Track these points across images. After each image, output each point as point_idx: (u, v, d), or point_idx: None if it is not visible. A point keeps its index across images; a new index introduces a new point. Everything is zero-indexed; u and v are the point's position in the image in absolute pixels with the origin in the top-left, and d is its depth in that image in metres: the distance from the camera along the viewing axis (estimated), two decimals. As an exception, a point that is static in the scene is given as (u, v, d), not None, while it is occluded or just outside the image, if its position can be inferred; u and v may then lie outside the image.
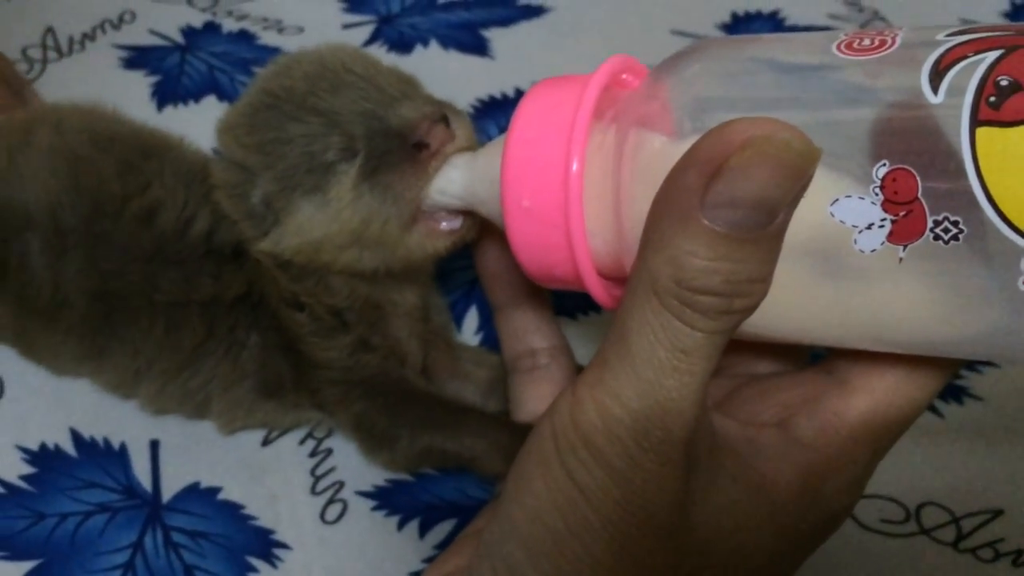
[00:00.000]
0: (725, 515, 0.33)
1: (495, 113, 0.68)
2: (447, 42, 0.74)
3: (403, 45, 0.74)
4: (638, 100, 0.36)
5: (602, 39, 0.75)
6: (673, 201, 0.28)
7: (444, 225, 0.44)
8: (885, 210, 0.30)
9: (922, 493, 0.50)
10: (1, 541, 0.47)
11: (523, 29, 0.76)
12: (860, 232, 0.30)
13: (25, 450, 0.50)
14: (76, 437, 0.51)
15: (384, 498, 0.50)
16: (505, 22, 0.76)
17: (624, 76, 0.40)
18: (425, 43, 0.74)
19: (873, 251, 0.30)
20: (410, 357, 0.50)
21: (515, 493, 0.33)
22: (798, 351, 0.41)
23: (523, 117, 0.38)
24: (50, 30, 0.73)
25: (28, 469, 0.49)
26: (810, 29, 0.77)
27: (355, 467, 0.50)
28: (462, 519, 0.49)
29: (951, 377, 0.36)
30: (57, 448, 0.50)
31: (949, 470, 0.50)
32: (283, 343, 0.48)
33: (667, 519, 0.31)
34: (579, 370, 0.50)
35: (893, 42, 0.31)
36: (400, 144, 0.43)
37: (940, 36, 0.31)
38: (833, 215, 0.30)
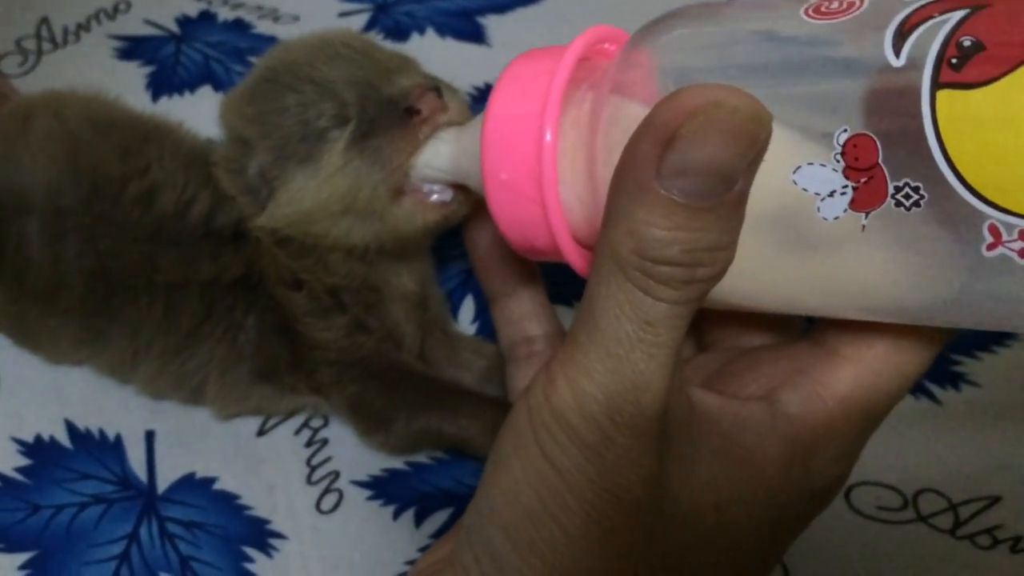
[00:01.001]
0: (707, 491, 0.33)
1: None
2: (443, 29, 0.74)
3: (399, 33, 0.73)
4: (614, 68, 0.36)
5: (599, 24, 0.75)
6: (629, 172, 0.28)
7: (435, 197, 0.45)
8: (847, 177, 0.29)
9: (919, 480, 0.50)
10: (-3, 533, 0.47)
11: (519, 15, 0.75)
12: (823, 200, 0.30)
13: (20, 442, 0.50)
14: (71, 428, 0.51)
15: (380, 487, 0.50)
16: (501, 9, 0.76)
17: (606, 46, 0.39)
18: (421, 31, 0.74)
19: (836, 219, 0.30)
20: (406, 341, 0.50)
21: (493, 475, 0.33)
22: (789, 322, 0.40)
23: (501, 90, 0.37)
24: (44, 20, 0.72)
25: (23, 461, 0.49)
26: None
27: (351, 457, 0.50)
28: (458, 508, 0.49)
29: (939, 349, 0.35)
30: (52, 440, 0.50)
31: (946, 457, 0.50)
32: (280, 325, 0.49)
33: (643, 494, 0.31)
34: None
35: (861, 4, 0.31)
36: (391, 110, 0.43)
37: None
38: (796, 183, 0.30)
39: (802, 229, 0.31)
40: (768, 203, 0.29)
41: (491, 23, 0.74)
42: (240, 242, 0.48)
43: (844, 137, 0.29)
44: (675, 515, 0.32)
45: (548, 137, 0.35)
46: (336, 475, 0.50)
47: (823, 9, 0.31)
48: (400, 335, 0.50)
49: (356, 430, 0.50)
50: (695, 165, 0.27)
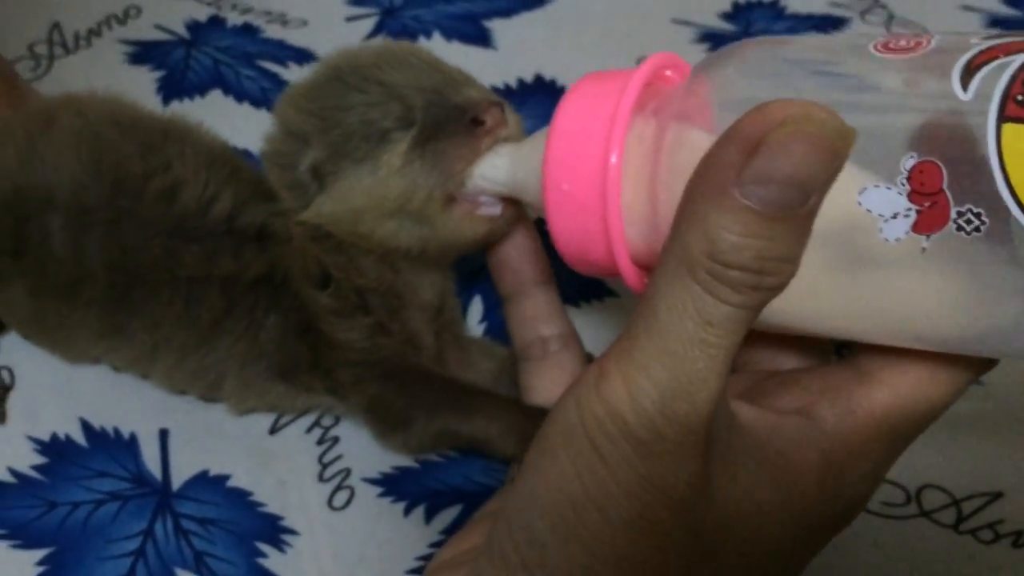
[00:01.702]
0: (746, 498, 0.33)
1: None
2: (450, 33, 0.75)
3: (406, 37, 0.74)
4: (679, 96, 0.37)
5: (603, 28, 0.76)
6: (710, 176, 0.29)
7: (484, 209, 0.46)
8: (911, 200, 0.30)
9: (922, 476, 0.50)
10: (14, 529, 0.48)
11: (525, 19, 0.76)
12: (886, 221, 0.31)
13: (37, 440, 0.51)
14: (87, 427, 0.51)
15: (390, 484, 0.50)
16: (507, 12, 0.77)
17: (668, 72, 0.41)
18: (428, 35, 0.75)
19: (898, 240, 0.31)
20: (425, 348, 0.51)
21: (537, 464, 0.33)
22: (821, 348, 0.41)
23: (568, 106, 0.39)
24: (56, 26, 0.73)
25: (40, 459, 0.50)
26: (811, 17, 0.78)
27: (362, 454, 0.51)
28: (468, 504, 0.50)
29: (975, 379, 0.36)
30: (68, 438, 0.51)
31: (949, 453, 0.51)
32: (302, 324, 0.49)
33: (687, 493, 0.31)
34: (588, 357, 0.51)
35: (928, 43, 0.32)
36: (457, 117, 0.45)
37: (973, 40, 0.32)
38: (860, 203, 0.31)
39: (862, 249, 0.32)
40: (830, 221, 0.30)
41: (497, 27, 0.75)
42: (263, 243, 0.49)
43: (911, 163, 0.30)
44: (715, 518, 0.33)
45: (614, 157, 0.37)
46: (347, 472, 0.51)
47: (891, 46, 0.33)
48: (420, 341, 0.50)
49: (373, 431, 0.50)
50: (777, 174, 0.27)
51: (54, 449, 0.51)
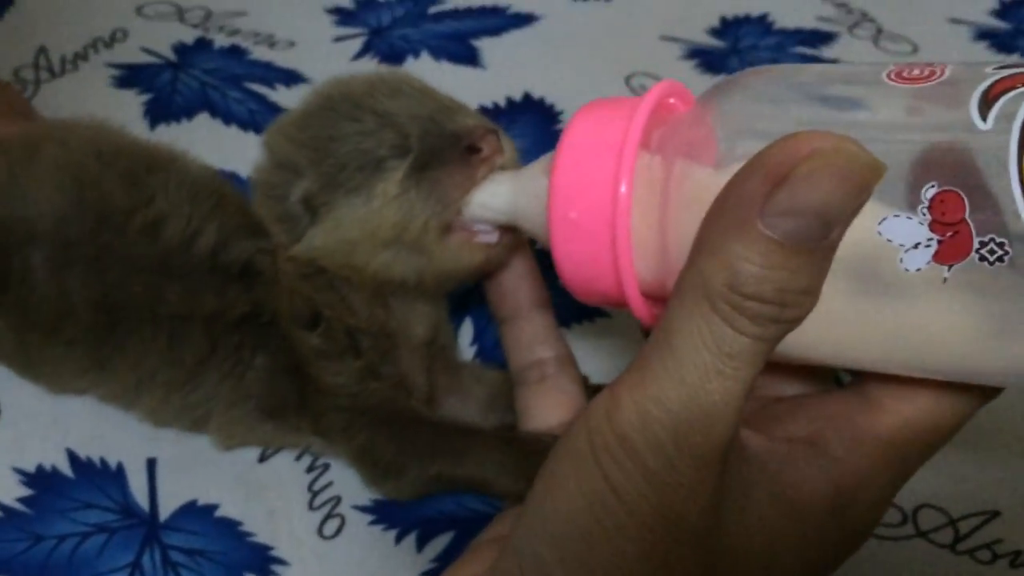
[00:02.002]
0: (758, 531, 0.33)
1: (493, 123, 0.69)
2: (438, 53, 0.74)
3: (394, 57, 0.74)
4: (684, 128, 0.37)
5: (592, 45, 0.76)
6: (732, 207, 0.28)
7: (482, 237, 0.45)
8: (932, 230, 0.30)
9: (919, 495, 0.50)
10: (0, 564, 0.47)
11: (513, 38, 0.76)
12: (907, 251, 0.31)
13: (22, 472, 0.50)
14: (73, 458, 0.51)
15: (381, 512, 0.50)
16: (495, 31, 0.76)
17: (671, 100, 0.40)
18: (416, 54, 0.74)
19: (918, 270, 0.31)
20: (416, 390, 0.50)
21: (546, 493, 0.33)
22: (824, 374, 0.41)
23: (573, 134, 0.39)
24: (42, 50, 0.73)
25: (25, 491, 0.49)
26: (799, 32, 0.78)
27: (352, 482, 0.50)
28: (460, 531, 0.49)
29: (981, 406, 0.35)
30: (54, 469, 0.50)
31: (945, 472, 0.50)
32: (290, 366, 0.48)
33: (700, 525, 0.31)
34: (584, 380, 0.50)
35: (942, 73, 0.32)
36: (453, 145, 0.44)
37: (988, 70, 0.32)
38: (881, 233, 0.31)
39: (882, 279, 0.31)
40: (850, 251, 0.29)
41: (485, 46, 0.75)
42: (247, 280, 0.48)
43: (932, 192, 0.30)
44: (727, 550, 0.32)
45: (624, 187, 0.37)
46: (338, 500, 0.50)
47: (905, 75, 0.33)
48: (411, 384, 0.50)
49: (364, 478, 0.49)
50: (803, 206, 0.27)
51: (40, 481, 0.50)
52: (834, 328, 0.33)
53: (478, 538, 0.43)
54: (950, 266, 0.30)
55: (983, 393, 0.35)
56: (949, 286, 0.30)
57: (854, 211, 0.27)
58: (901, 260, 0.31)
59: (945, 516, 0.49)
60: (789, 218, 0.27)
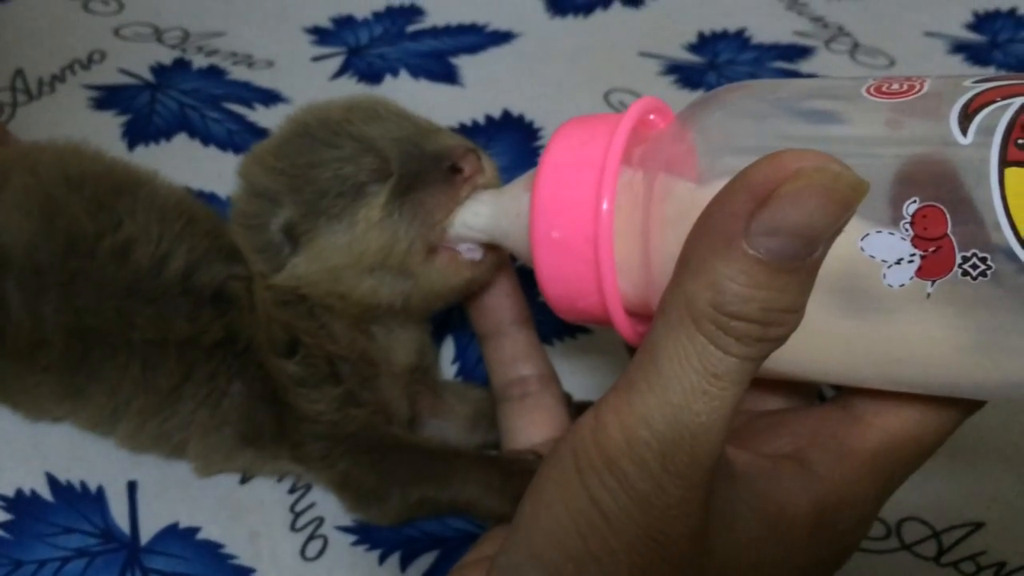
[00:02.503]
0: (744, 550, 0.33)
1: (467, 138, 0.69)
2: (416, 71, 0.75)
3: (373, 76, 0.74)
4: (665, 144, 0.37)
5: (570, 62, 0.76)
6: (716, 226, 0.28)
7: (467, 255, 0.45)
8: (915, 245, 0.30)
9: (902, 508, 0.50)
10: (-21, 590, 0.46)
11: (492, 56, 0.76)
12: (889, 267, 0.31)
13: (1, 497, 0.49)
14: (52, 482, 0.50)
15: (364, 533, 0.50)
16: (474, 49, 0.77)
17: (651, 116, 0.41)
18: (395, 73, 0.74)
19: (902, 286, 0.31)
20: (397, 415, 0.50)
21: (532, 516, 0.33)
22: (807, 388, 0.42)
23: (554, 152, 0.39)
24: (19, 72, 0.72)
25: (4, 516, 0.49)
26: (776, 47, 0.78)
27: (334, 502, 0.50)
28: (443, 551, 0.49)
29: (964, 419, 0.36)
30: (34, 493, 0.50)
31: (929, 485, 0.51)
32: (267, 393, 0.48)
33: (688, 547, 0.31)
34: (567, 398, 0.50)
35: (921, 87, 0.32)
36: (435, 166, 0.44)
37: (967, 83, 0.32)
38: (863, 249, 0.31)
39: (865, 295, 0.31)
40: (832, 268, 0.29)
41: (463, 63, 0.75)
42: (220, 305, 0.48)
43: (913, 208, 0.30)
44: (714, 569, 0.32)
45: (606, 204, 0.37)
46: (320, 521, 0.50)
47: (884, 90, 0.33)
48: (392, 410, 0.49)
49: (346, 505, 0.49)
50: (787, 225, 0.27)
51: (19, 505, 0.49)
52: (818, 345, 0.33)
53: (463, 560, 0.43)
54: (933, 281, 0.30)
55: (965, 407, 0.35)
56: (932, 301, 0.30)
57: (838, 230, 0.27)
58: (884, 276, 0.31)
59: (929, 529, 0.49)
60: (773, 237, 0.27)
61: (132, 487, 0.51)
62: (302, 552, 0.49)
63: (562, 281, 0.39)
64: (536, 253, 0.39)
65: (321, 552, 0.49)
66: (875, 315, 0.32)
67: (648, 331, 0.30)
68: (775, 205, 0.27)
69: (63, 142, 0.54)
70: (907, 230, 0.30)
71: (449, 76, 0.74)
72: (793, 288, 0.28)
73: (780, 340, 0.29)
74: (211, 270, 0.48)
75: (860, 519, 0.36)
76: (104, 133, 0.68)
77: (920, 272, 0.30)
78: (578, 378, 0.54)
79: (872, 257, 0.31)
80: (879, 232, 0.31)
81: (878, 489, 0.36)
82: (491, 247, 0.45)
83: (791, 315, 0.28)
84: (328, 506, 0.50)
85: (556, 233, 0.38)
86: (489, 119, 0.71)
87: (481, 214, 0.44)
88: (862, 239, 0.31)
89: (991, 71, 0.76)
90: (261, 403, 0.48)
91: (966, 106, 0.31)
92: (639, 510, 0.30)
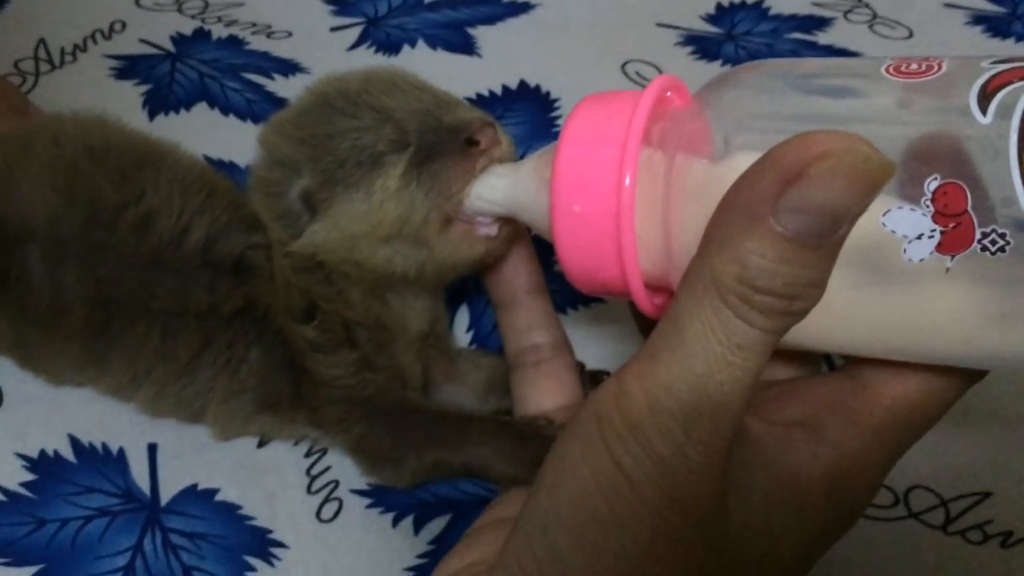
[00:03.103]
0: (760, 515, 0.34)
1: (484, 111, 0.69)
2: (434, 42, 0.75)
3: (391, 46, 0.74)
4: (683, 122, 0.38)
5: (588, 33, 0.76)
6: (744, 204, 0.29)
7: (483, 230, 0.45)
8: (935, 221, 0.31)
9: (910, 477, 0.50)
10: (3, 547, 0.48)
11: (509, 26, 0.76)
12: (910, 242, 0.31)
13: (25, 457, 0.51)
14: (75, 443, 0.51)
15: (379, 496, 0.50)
16: (491, 20, 0.77)
17: (668, 94, 0.41)
18: (412, 43, 0.75)
19: (922, 260, 0.31)
20: (411, 380, 0.50)
21: (555, 480, 0.33)
22: (813, 358, 0.42)
23: (574, 128, 0.39)
24: (42, 42, 0.73)
25: (28, 476, 0.50)
26: (794, 18, 0.78)
27: (350, 465, 0.51)
28: (456, 514, 0.50)
29: (968, 387, 0.36)
30: (56, 454, 0.51)
31: (937, 454, 0.51)
32: (285, 359, 0.49)
33: (708, 509, 0.32)
34: (580, 366, 0.51)
35: (940, 68, 0.33)
36: (452, 138, 0.45)
37: (984, 64, 0.33)
38: (885, 225, 0.32)
39: (885, 269, 0.32)
40: (854, 243, 0.30)
41: (481, 34, 0.75)
42: (240, 275, 0.49)
43: (934, 185, 0.31)
44: (733, 535, 0.33)
45: (628, 179, 0.37)
46: (336, 484, 0.51)
47: (903, 69, 0.34)
48: (407, 375, 0.50)
49: (361, 468, 0.49)
50: (815, 204, 0.28)
51: (43, 466, 0.51)
52: (838, 317, 0.34)
53: (475, 523, 0.44)
54: (953, 256, 0.31)
55: (969, 376, 0.36)
56: (952, 276, 0.31)
57: (863, 208, 0.28)
58: (905, 251, 0.32)
59: (937, 497, 0.50)
60: (800, 215, 0.28)
61: (152, 449, 0.52)
62: (318, 514, 0.50)
63: (581, 253, 0.39)
64: (556, 226, 0.39)
65: (336, 514, 0.50)
66: (895, 288, 0.32)
67: (672, 302, 0.31)
68: (804, 184, 0.28)
69: (86, 112, 0.55)
70: (928, 206, 0.31)
71: (466, 46, 0.75)
72: (817, 264, 0.29)
73: (802, 314, 0.30)
74: (231, 241, 0.49)
75: (868, 485, 0.37)
76: (125, 103, 0.68)
77: (940, 247, 0.31)
78: (591, 347, 0.54)
79: (893, 232, 0.32)
80: (900, 208, 0.31)
81: (886, 456, 0.37)
82: (506, 220, 0.46)
83: (814, 290, 0.29)
84: (343, 470, 0.51)
85: (577, 207, 0.38)
86: (506, 89, 0.71)
87: (498, 187, 0.44)
88: (884, 215, 0.32)
89: (1011, 43, 0.75)
90: (279, 369, 0.49)
91: (984, 86, 0.31)
92: (661, 474, 0.31)
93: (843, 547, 0.48)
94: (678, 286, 0.31)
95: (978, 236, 0.30)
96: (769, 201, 0.28)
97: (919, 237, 0.31)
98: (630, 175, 0.37)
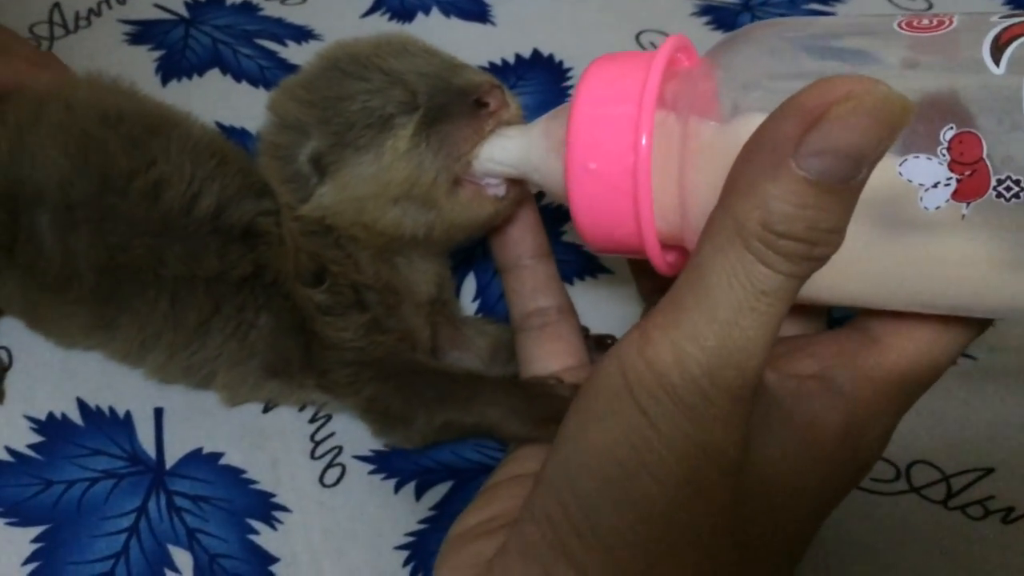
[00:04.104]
0: (779, 462, 0.35)
1: (498, 79, 0.69)
2: (448, 9, 0.74)
3: (405, 14, 0.74)
4: (695, 81, 0.39)
5: (602, 2, 0.75)
6: (766, 149, 0.29)
7: (491, 191, 0.46)
8: (951, 170, 0.32)
9: (913, 452, 0.50)
10: (10, 507, 0.48)
11: (523, -6, 0.76)
12: (926, 190, 0.32)
13: (33, 419, 0.51)
14: (83, 406, 0.52)
15: (381, 462, 0.51)
16: (506, -12, 0.76)
17: (677, 55, 0.41)
18: (427, 11, 0.74)
19: (938, 208, 0.32)
20: (421, 344, 0.51)
21: (580, 430, 0.34)
22: (818, 314, 0.43)
23: (588, 88, 0.40)
24: (56, 6, 0.73)
25: (36, 438, 0.51)
26: (811, -12, 0.77)
27: (353, 432, 0.52)
28: (458, 481, 0.50)
29: (974, 338, 0.37)
30: (64, 417, 0.52)
31: (939, 429, 0.51)
32: (294, 324, 0.49)
33: (733, 456, 0.33)
34: (584, 330, 0.51)
35: (951, 23, 0.34)
36: (461, 100, 0.45)
37: (993, 19, 0.33)
38: (901, 174, 0.32)
39: (903, 217, 0.33)
40: (872, 192, 0.30)
41: (495, 2, 0.75)
42: (249, 242, 0.49)
43: (950, 134, 0.32)
44: (755, 482, 0.34)
45: (645, 139, 0.38)
46: (339, 450, 0.51)
47: (915, 25, 0.35)
48: (416, 338, 0.50)
49: (372, 429, 0.50)
50: (836, 146, 0.28)
51: (50, 428, 0.51)
52: (854, 268, 0.34)
53: (489, 480, 0.45)
54: (968, 203, 0.32)
55: (976, 325, 0.37)
56: (967, 222, 0.32)
57: (884, 150, 0.29)
58: (921, 199, 0.32)
59: (939, 472, 0.50)
60: (822, 158, 0.28)
61: (159, 413, 0.52)
62: (321, 479, 0.50)
63: (596, 211, 0.40)
64: (571, 184, 0.40)
65: (339, 479, 0.50)
66: (911, 237, 0.33)
67: (693, 253, 0.32)
68: (825, 127, 0.28)
69: (98, 76, 0.55)
70: (944, 155, 0.32)
71: (480, 15, 0.74)
72: (837, 208, 0.29)
73: (823, 259, 0.30)
74: (241, 207, 0.49)
75: (880, 435, 0.38)
76: (138, 68, 0.68)
77: (956, 195, 0.32)
78: (597, 315, 0.54)
79: (910, 181, 0.32)
80: (917, 157, 0.32)
81: (896, 407, 0.38)
82: (514, 183, 0.46)
83: (834, 235, 0.30)
84: (347, 435, 0.52)
85: (593, 164, 0.39)
86: (519, 58, 0.71)
87: (509, 148, 0.45)
88: (900, 164, 0.32)
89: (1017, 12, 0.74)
90: (288, 334, 0.49)
91: (996, 39, 0.32)
92: (688, 421, 0.31)
93: (843, 519, 0.48)
94: (700, 237, 0.32)
95: (993, 183, 0.31)
96: (791, 145, 0.29)
97: (935, 185, 0.32)
98: (646, 133, 0.38)
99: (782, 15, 0.74)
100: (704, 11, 0.75)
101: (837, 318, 0.44)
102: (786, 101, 0.29)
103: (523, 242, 0.50)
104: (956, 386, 0.52)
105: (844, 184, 0.29)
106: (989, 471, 0.49)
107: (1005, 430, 0.51)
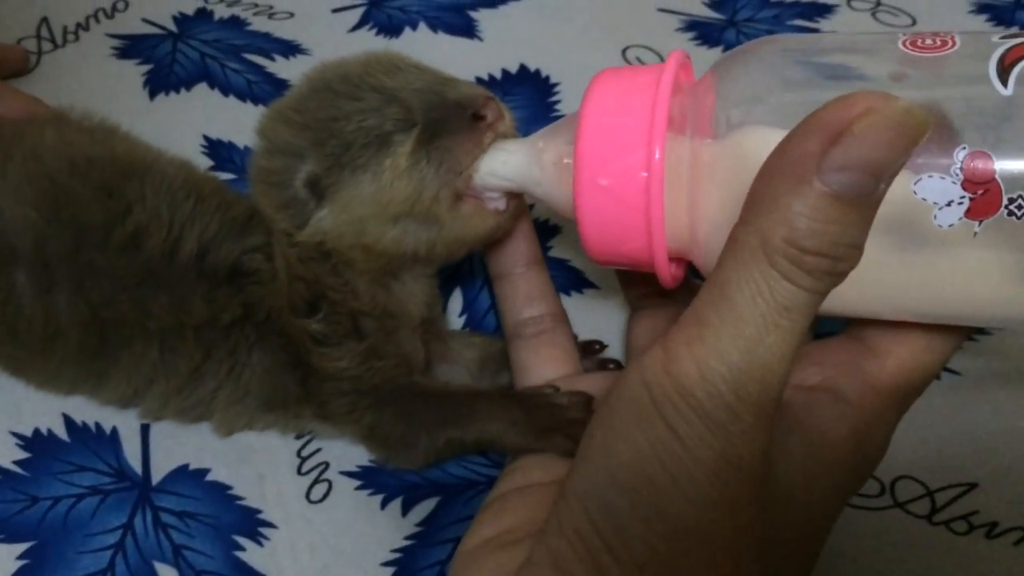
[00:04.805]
0: (799, 472, 0.36)
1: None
2: (436, 24, 0.75)
3: (392, 29, 0.74)
4: (701, 97, 0.39)
5: (589, 17, 0.76)
6: (789, 165, 0.30)
7: (492, 204, 0.46)
8: (964, 189, 0.33)
9: (897, 467, 0.51)
10: (-4, 524, 0.48)
11: (511, 10, 0.76)
12: (940, 208, 0.33)
13: (19, 435, 0.51)
14: (68, 422, 0.52)
15: (368, 478, 0.51)
16: (493, 3, 0.77)
17: (680, 69, 0.42)
18: (414, 26, 0.75)
19: (951, 225, 0.33)
20: (416, 365, 0.51)
21: (606, 446, 0.35)
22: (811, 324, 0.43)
23: (595, 102, 0.40)
24: (44, 20, 0.74)
25: (22, 454, 0.51)
26: (797, 4, 0.77)
27: (340, 448, 0.51)
28: (444, 496, 0.50)
29: (961, 343, 0.39)
30: (50, 433, 0.51)
31: (924, 444, 0.51)
32: (288, 359, 0.49)
33: (757, 469, 0.33)
34: (577, 339, 0.52)
35: (953, 43, 0.35)
36: (458, 114, 0.45)
37: (994, 39, 0.34)
38: (916, 193, 0.33)
39: (916, 234, 0.34)
40: (886, 210, 0.31)
41: (483, 17, 0.75)
42: (236, 283, 0.48)
43: (963, 154, 0.33)
44: (775, 496, 0.34)
45: (658, 154, 0.38)
46: (326, 466, 0.51)
47: (919, 44, 0.36)
48: (412, 361, 0.50)
49: (376, 455, 0.50)
50: (857, 161, 0.29)
51: (36, 444, 0.51)
52: (869, 283, 0.35)
53: (495, 491, 0.45)
54: (980, 221, 0.33)
55: (960, 333, 0.38)
56: (979, 239, 0.33)
57: (902, 164, 0.30)
58: (935, 217, 0.33)
59: (923, 487, 0.50)
60: (846, 173, 0.29)
61: (145, 429, 0.52)
62: (307, 495, 0.50)
63: (606, 226, 0.40)
64: (580, 199, 0.40)
65: (325, 495, 0.50)
66: (925, 252, 0.34)
67: (715, 270, 0.32)
68: (848, 142, 0.29)
69: (65, 115, 0.55)
70: (957, 174, 0.33)
71: (467, 30, 0.74)
72: (858, 223, 0.30)
73: (844, 275, 0.31)
74: (224, 248, 0.48)
75: (882, 440, 0.39)
76: (126, 82, 0.69)
77: (969, 213, 0.33)
78: (586, 328, 0.54)
79: (924, 200, 0.33)
80: (931, 176, 0.33)
81: (896, 413, 0.39)
82: (513, 195, 0.46)
83: (856, 250, 0.30)
84: (333, 451, 0.52)
85: (604, 180, 0.39)
86: (506, 73, 0.71)
87: (511, 162, 0.45)
88: (915, 183, 0.33)
89: (1015, 30, 0.75)
90: (283, 369, 0.49)
91: (1001, 60, 0.33)
92: (714, 435, 0.32)
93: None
94: (722, 253, 0.32)
95: (1005, 202, 0.32)
96: (814, 162, 0.29)
97: (948, 204, 0.33)
98: (659, 149, 0.38)
99: (768, 31, 0.75)
100: (690, 27, 0.75)
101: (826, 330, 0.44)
102: (807, 118, 0.30)
103: (517, 250, 0.51)
104: (940, 402, 0.52)
105: (866, 198, 0.29)
106: (973, 486, 0.50)
107: (989, 445, 0.51)
